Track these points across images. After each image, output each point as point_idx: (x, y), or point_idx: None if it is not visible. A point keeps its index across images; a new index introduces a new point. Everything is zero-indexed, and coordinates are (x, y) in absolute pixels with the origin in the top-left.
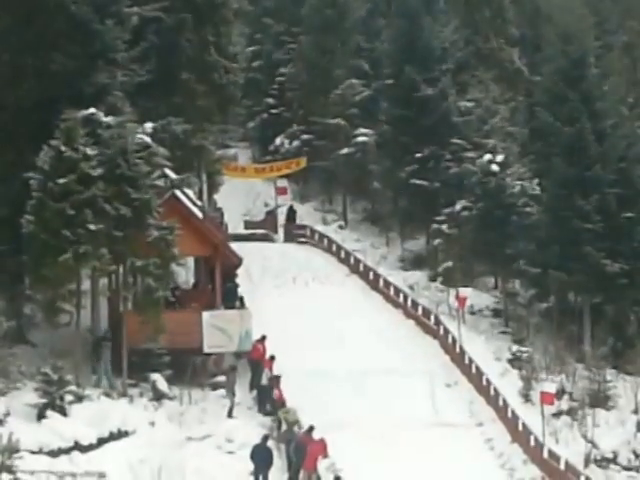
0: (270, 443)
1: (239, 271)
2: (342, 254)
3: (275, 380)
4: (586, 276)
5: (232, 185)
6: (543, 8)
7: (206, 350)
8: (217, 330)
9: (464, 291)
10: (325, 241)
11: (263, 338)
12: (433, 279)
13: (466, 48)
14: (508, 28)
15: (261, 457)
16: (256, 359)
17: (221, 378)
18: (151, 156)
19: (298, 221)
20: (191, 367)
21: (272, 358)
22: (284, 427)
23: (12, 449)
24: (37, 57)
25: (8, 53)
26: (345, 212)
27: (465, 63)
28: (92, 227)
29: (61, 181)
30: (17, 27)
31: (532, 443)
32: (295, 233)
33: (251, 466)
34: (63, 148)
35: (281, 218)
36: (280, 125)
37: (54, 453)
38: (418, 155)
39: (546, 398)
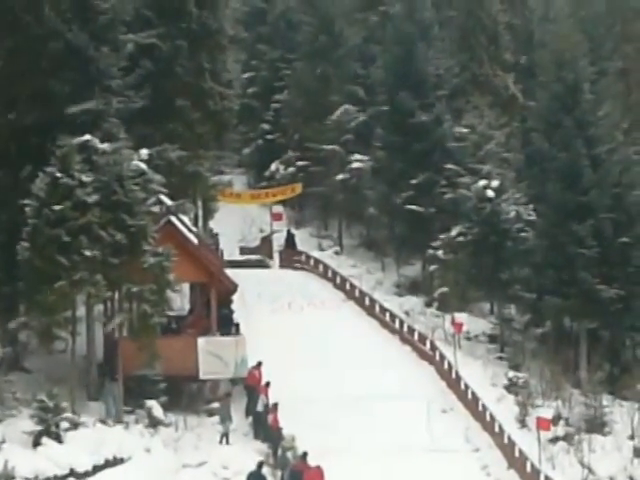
0: (265, 470)
1: (234, 297)
2: (338, 280)
3: (273, 407)
4: (582, 301)
5: (227, 211)
6: (538, 34)
7: (202, 376)
8: (213, 356)
9: (460, 317)
10: (321, 267)
11: (259, 364)
12: (429, 304)
13: (461, 74)
14: (503, 54)
15: None
16: (252, 385)
17: (216, 405)
18: (147, 182)
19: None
20: (187, 393)
21: (267, 384)
22: (280, 453)
23: (8, 476)
24: (33, 83)
25: (3, 78)
26: (341, 238)
27: (460, 89)
28: (87, 253)
29: (56, 208)
30: (13, 53)
31: (529, 469)
32: (291, 259)
33: None
34: (59, 174)
35: (276, 244)
36: (275, 151)
37: None
38: (413, 181)
39: (542, 424)
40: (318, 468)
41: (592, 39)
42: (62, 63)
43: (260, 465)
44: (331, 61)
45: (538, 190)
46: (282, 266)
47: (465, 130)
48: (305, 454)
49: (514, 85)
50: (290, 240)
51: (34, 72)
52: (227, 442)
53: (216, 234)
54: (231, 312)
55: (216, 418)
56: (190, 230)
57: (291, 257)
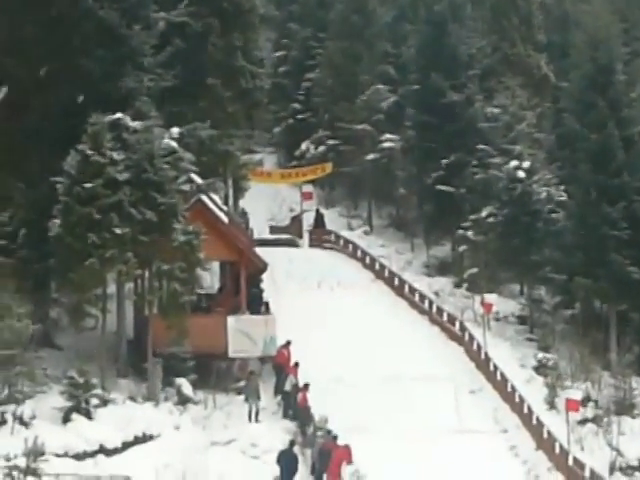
0: (296, 449)
1: (264, 276)
2: (367, 260)
3: (303, 387)
4: (612, 283)
5: (258, 190)
6: (571, 14)
7: (231, 355)
8: (242, 335)
9: (489, 297)
10: (350, 247)
11: (288, 343)
12: (458, 285)
13: (493, 54)
14: (535, 34)
15: (287, 463)
16: (281, 364)
17: (243, 383)
18: (177, 161)
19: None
20: (216, 372)
21: (296, 365)
22: (309, 432)
23: (37, 452)
24: (65, 62)
25: (36, 58)
26: (370, 218)
27: (492, 69)
28: (118, 231)
29: (88, 185)
30: (45, 32)
31: (557, 450)
32: (320, 238)
33: (275, 471)
34: (90, 152)
35: (306, 223)
36: (306, 130)
37: (79, 456)
38: (444, 161)
39: (571, 405)
40: (346, 447)
41: (625, 19)
42: (94, 41)
43: (292, 444)
44: (362, 40)
45: (569, 171)
46: (312, 245)
47: (496, 110)
48: (333, 433)
49: (546, 65)
50: (319, 220)
51: (67, 50)
52: (257, 420)
53: (246, 213)
54: (261, 291)
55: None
56: (220, 209)
57: (320, 236)
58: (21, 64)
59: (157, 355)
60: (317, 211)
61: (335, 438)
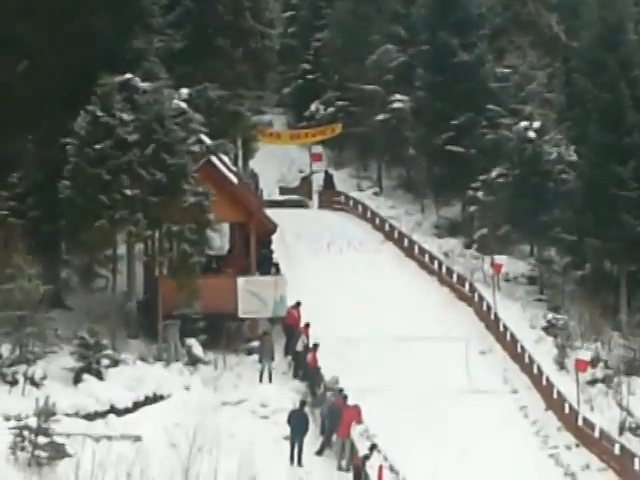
0: (306, 409)
1: (274, 237)
2: (377, 221)
3: (313, 347)
4: (622, 244)
5: (267, 151)
6: None
7: (241, 315)
8: (252, 296)
9: (499, 258)
10: (360, 208)
11: (298, 304)
12: (468, 246)
13: (503, 13)
14: None
15: (298, 422)
16: (291, 325)
17: (255, 343)
18: (187, 122)
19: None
20: (226, 332)
21: (307, 325)
22: (320, 392)
23: (49, 412)
24: (73, 22)
25: (45, 18)
26: (380, 179)
27: (502, 29)
28: (128, 192)
29: (97, 146)
30: None
31: (567, 410)
32: (330, 199)
33: (285, 431)
34: (99, 113)
35: (316, 184)
36: (315, 91)
37: (90, 416)
38: (454, 122)
39: (580, 365)
40: (356, 407)
41: None
42: (104, 2)
43: (302, 404)
44: (372, 0)
45: (580, 131)
46: (321, 207)
47: (507, 70)
48: (344, 392)
49: (557, 25)
50: (328, 180)
51: (76, 11)
52: (270, 380)
53: (255, 174)
54: (270, 252)
55: (255, 357)
56: (230, 170)
57: (330, 198)
58: (31, 25)
59: (167, 316)
60: (326, 172)
61: (345, 398)
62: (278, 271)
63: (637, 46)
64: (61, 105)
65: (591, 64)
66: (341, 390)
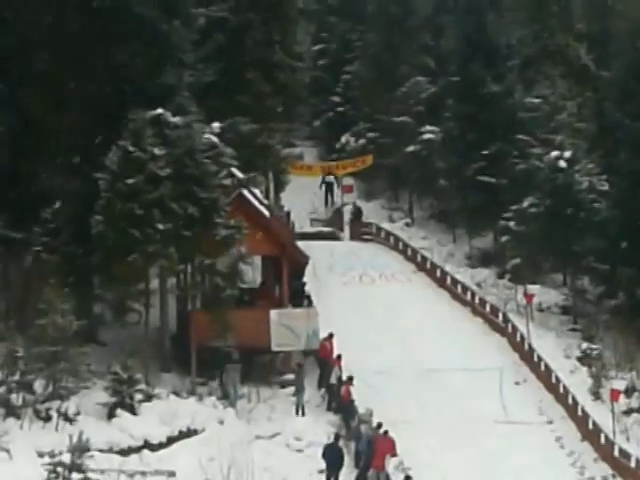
0: (340, 442)
1: (306, 269)
2: (409, 252)
3: (347, 380)
4: None
5: (298, 184)
6: (610, 2)
7: (274, 348)
8: (285, 328)
9: (532, 288)
10: (391, 239)
11: (330, 336)
12: (501, 276)
13: (533, 44)
14: (575, 23)
15: (332, 456)
16: (324, 357)
17: (290, 376)
18: (218, 156)
19: (364, 219)
20: (259, 365)
21: (339, 357)
22: (354, 425)
23: (82, 448)
24: (105, 58)
25: (77, 53)
26: (411, 209)
27: (531, 59)
28: (160, 227)
29: (129, 181)
30: (85, 28)
31: (603, 441)
32: (361, 231)
33: (320, 464)
34: (131, 148)
35: (347, 216)
36: (346, 123)
37: (124, 452)
38: (484, 152)
39: (614, 395)
40: (390, 439)
41: None
42: (135, 37)
43: (337, 437)
44: (401, 32)
45: (611, 160)
46: (352, 238)
47: (537, 100)
48: (380, 425)
49: (586, 55)
50: (356, 213)
51: (108, 47)
52: (303, 414)
53: (283, 206)
54: (303, 284)
55: (289, 390)
56: (261, 203)
57: (361, 229)
58: (64, 59)
59: (201, 350)
60: (354, 205)
61: (386, 432)
62: (310, 303)
63: None
64: (93, 140)
65: (622, 93)
66: (379, 425)
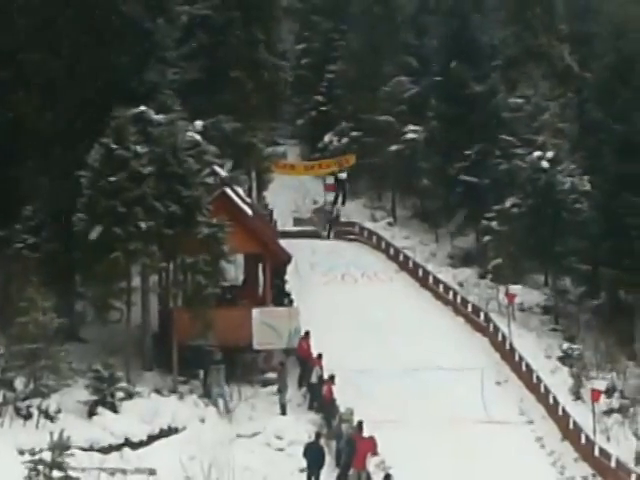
0: (322, 441)
1: (288, 268)
2: (391, 251)
3: (328, 379)
4: (637, 273)
5: (281, 182)
6: (593, 3)
7: (256, 347)
8: (267, 327)
9: (514, 288)
10: (374, 238)
11: (307, 334)
12: (483, 276)
13: (516, 45)
14: (558, 24)
15: (314, 455)
16: (303, 356)
17: (272, 375)
18: (201, 154)
19: (346, 219)
20: (241, 364)
21: (320, 357)
22: (335, 424)
23: (63, 446)
24: (89, 55)
25: (61, 51)
26: (394, 209)
27: (514, 60)
28: (142, 225)
29: (112, 179)
30: (69, 26)
31: (583, 441)
32: (344, 230)
33: (301, 463)
34: (114, 146)
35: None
36: (329, 122)
37: (105, 450)
38: (467, 152)
39: (594, 395)
40: (371, 438)
41: None
42: (118, 35)
43: (318, 436)
44: (384, 31)
45: (593, 161)
46: (335, 237)
47: (520, 100)
48: (361, 424)
49: (569, 55)
50: (335, 213)
51: (91, 44)
52: (284, 412)
53: (269, 205)
54: (283, 282)
55: (270, 388)
56: (244, 201)
57: (342, 228)
58: (46, 57)
59: (183, 348)
60: (333, 204)
61: (360, 427)
62: (291, 302)
63: None
64: (75, 138)
65: (604, 94)
66: (360, 423)
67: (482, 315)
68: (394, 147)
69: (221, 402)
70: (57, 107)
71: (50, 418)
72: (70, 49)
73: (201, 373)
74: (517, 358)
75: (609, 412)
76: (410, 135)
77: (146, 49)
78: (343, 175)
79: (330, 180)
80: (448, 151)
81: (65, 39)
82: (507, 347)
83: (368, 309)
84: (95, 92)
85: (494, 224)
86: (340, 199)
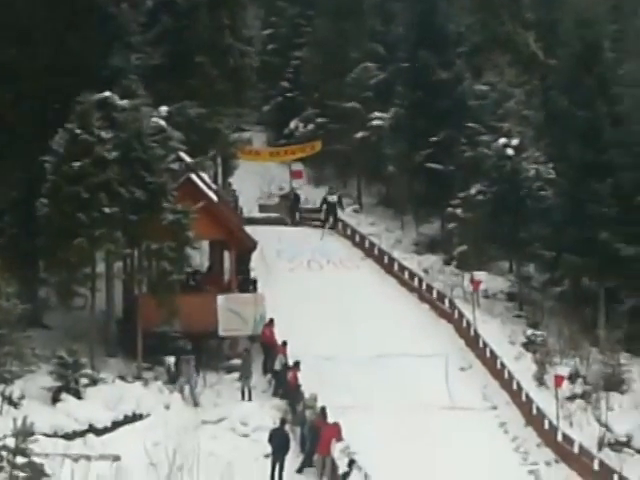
0: (287, 427)
1: (253, 254)
2: (357, 238)
3: (294, 365)
4: (601, 260)
5: (247, 168)
6: None
7: (221, 333)
8: (232, 314)
9: (478, 275)
10: (339, 225)
11: (271, 322)
12: (448, 263)
13: (481, 32)
14: (524, 12)
15: (279, 441)
16: (267, 343)
17: (237, 361)
18: (166, 140)
19: (312, 206)
20: (206, 350)
21: (284, 344)
22: (299, 410)
23: (27, 432)
24: (52, 40)
25: (20, 36)
26: (360, 196)
27: (480, 47)
28: (107, 210)
29: (76, 164)
30: (32, 10)
31: (546, 426)
32: (309, 217)
33: (266, 449)
34: (78, 131)
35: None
36: (295, 109)
37: (69, 436)
38: (433, 139)
39: (557, 380)
40: (336, 425)
41: None
42: (82, 20)
43: (283, 422)
44: (351, 18)
45: (558, 148)
46: (301, 224)
47: (485, 88)
48: (324, 411)
49: (535, 43)
50: (295, 201)
51: (55, 29)
52: (250, 398)
53: (234, 191)
54: (248, 269)
55: (235, 375)
56: (209, 187)
57: (310, 215)
58: (9, 42)
59: (148, 334)
60: (294, 193)
61: (323, 413)
62: (256, 288)
63: (614, 64)
64: (39, 123)
65: (569, 82)
66: (323, 408)
67: (447, 302)
68: (360, 134)
69: (187, 390)
70: (18, 92)
71: (14, 404)
72: (34, 33)
73: (166, 360)
74: (481, 344)
75: (572, 398)
76: (376, 122)
77: (110, 34)
78: (333, 198)
79: (297, 167)
80: (414, 138)
81: (28, 23)
82: (472, 333)
83: (334, 296)
84: (58, 77)
85: (459, 211)
86: (330, 221)
